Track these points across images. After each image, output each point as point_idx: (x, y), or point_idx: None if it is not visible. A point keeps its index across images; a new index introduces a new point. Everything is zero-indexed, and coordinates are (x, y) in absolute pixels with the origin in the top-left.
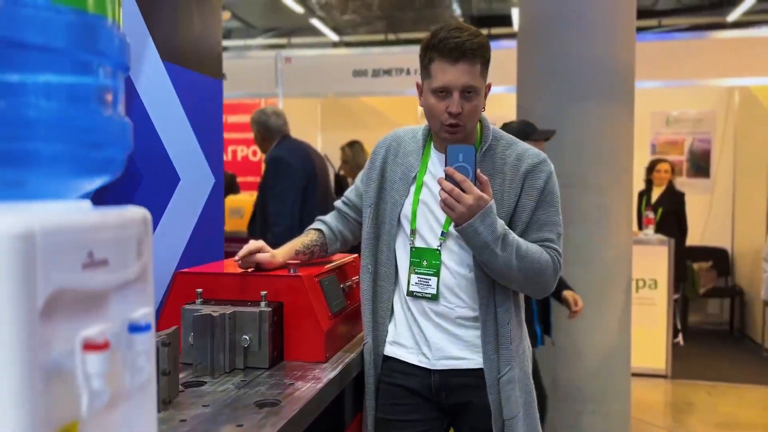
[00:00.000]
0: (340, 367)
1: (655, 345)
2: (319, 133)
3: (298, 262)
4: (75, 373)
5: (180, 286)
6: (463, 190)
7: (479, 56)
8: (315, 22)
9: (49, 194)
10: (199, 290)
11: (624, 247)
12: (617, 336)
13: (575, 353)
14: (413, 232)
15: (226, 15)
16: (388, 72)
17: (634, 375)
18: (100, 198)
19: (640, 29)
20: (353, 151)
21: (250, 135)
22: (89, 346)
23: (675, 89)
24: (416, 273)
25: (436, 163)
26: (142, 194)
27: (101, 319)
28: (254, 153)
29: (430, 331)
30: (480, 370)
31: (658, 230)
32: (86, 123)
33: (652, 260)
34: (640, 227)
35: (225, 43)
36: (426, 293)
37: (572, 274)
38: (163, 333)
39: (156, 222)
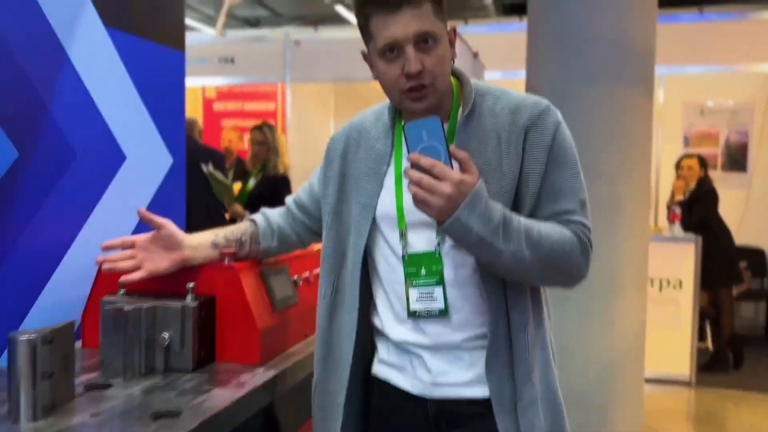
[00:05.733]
0: (274, 372)
1: (678, 349)
2: (332, 120)
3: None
4: None
5: (105, 276)
6: (436, 177)
7: None
8: (341, 9)
9: None
10: (123, 281)
11: (638, 242)
12: (629, 338)
13: (581, 356)
14: (402, 234)
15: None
16: None
17: (654, 381)
18: (26, 165)
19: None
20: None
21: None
22: None
23: (710, 78)
24: (415, 286)
25: None
26: (76, 170)
27: None
28: None
29: (427, 350)
30: (489, 399)
31: (693, 230)
32: None
33: (678, 259)
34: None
35: (255, 32)
36: (432, 309)
37: None
38: (48, 328)
39: (94, 203)
